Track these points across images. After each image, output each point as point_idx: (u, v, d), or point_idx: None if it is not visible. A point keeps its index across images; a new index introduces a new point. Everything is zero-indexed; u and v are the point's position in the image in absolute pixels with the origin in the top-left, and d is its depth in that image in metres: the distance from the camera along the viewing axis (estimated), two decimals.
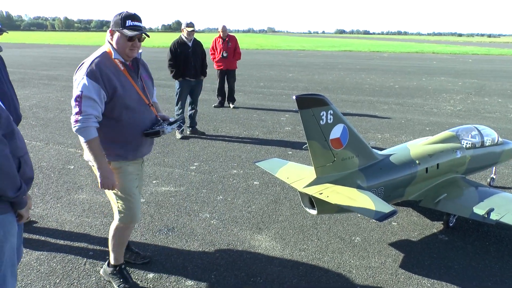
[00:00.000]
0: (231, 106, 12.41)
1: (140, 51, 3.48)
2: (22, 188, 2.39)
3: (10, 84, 4.61)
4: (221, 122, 10.49)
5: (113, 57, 3.33)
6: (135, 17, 3.32)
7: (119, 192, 3.52)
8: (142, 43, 3.42)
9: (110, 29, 3.37)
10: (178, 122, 3.59)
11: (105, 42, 3.42)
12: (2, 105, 2.43)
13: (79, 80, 3.20)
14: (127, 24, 3.28)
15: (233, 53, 11.87)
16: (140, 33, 3.31)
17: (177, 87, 8.97)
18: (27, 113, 11.03)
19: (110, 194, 3.59)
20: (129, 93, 3.36)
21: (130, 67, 3.44)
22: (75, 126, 3.16)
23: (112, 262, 3.78)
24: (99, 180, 3.33)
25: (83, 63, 3.31)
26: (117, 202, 3.57)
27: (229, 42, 11.78)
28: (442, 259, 4.27)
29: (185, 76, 8.83)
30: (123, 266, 3.80)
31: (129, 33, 3.26)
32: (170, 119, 3.61)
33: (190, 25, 8.86)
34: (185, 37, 8.83)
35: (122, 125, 3.38)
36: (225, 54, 11.69)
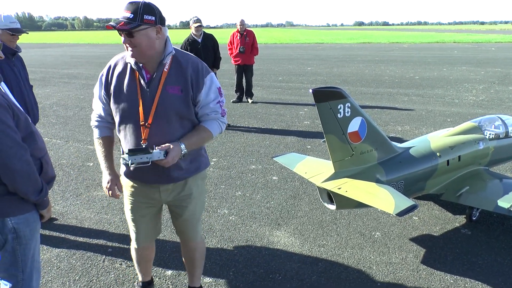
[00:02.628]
0: (250, 101, 12.38)
1: (170, 51, 2.79)
2: (43, 191, 2.45)
3: (28, 84, 4.64)
4: (240, 117, 10.46)
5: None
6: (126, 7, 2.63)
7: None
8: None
9: None
10: (142, 156, 2.64)
11: None
12: (20, 107, 2.45)
13: None
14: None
15: (250, 48, 11.77)
16: (115, 26, 2.57)
17: None
18: (47, 111, 11.18)
19: None
20: (123, 104, 2.79)
21: (145, 72, 2.78)
22: None
23: None
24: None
25: None
26: None
27: (246, 37, 11.69)
28: (466, 255, 4.16)
29: None
30: (140, 285, 3.59)
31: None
32: (143, 149, 2.68)
33: (196, 21, 9.13)
34: (194, 34, 9.00)
35: (119, 137, 2.98)
36: (242, 49, 11.60)
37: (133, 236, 3.25)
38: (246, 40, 11.66)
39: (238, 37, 11.69)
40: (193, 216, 3.19)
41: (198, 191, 3.13)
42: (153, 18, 2.63)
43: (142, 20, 2.59)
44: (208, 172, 6.58)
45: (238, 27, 11.72)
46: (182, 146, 2.77)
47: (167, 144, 2.74)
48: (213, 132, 2.95)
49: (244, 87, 12.41)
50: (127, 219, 3.23)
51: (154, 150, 2.67)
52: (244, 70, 12.02)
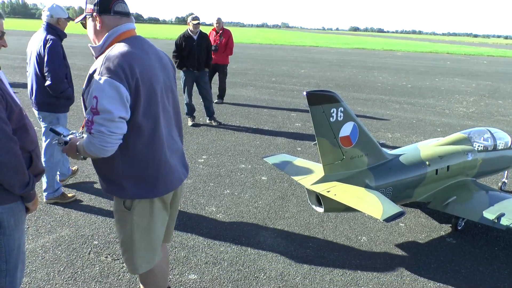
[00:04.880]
0: (218, 100, 11.99)
1: (99, 48, 2.61)
2: (30, 184, 2.40)
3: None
4: (231, 116, 10.46)
5: None
6: None
7: None
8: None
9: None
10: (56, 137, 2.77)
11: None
12: (16, 98, 2.42)
13: None
14: None
15: (224, 47, 11.38)
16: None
17: (182, 77, 9.34)
18: None
19: None
20: None
21: None
22: None
23: None
24: None
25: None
26: None
27: (221, 35, 11.37)
28: (449, 263, 4.21)
29: (188, 67, 9.11)
30: None
31: None
32: None
33: (195, 18, 9.16)
34: (191, 30, 9.01)
35: None
36: (213, 48, 10.82)
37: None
38: (221, 39, 11.32)
39: (214, 35, 11.29)
40: (120, 242, 2.87)
41: (116, 215, 2.82)
42: (91, 6, 2.54)
43: (85, 10, 2.57)
44: (197, 169, 6.58)
45: (215, 25, 11.40)
46: (80, 146, 2.57)
47: (77, 138, 2.66)
48: (84, 145, 2.49)
49: (217, 88, 11.93)
50: None
51: (64, 136, 2.69)
52: (217, 70, 11.56)
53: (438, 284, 3.86)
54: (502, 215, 4.11)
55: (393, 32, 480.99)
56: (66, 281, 3.71)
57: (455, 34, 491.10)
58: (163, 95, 2.65)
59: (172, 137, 2.76)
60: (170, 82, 2.74)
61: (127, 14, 2.62)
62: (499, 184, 6.12)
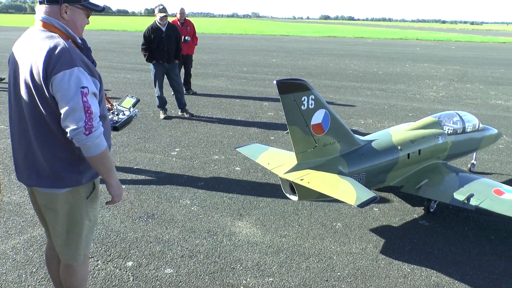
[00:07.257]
0: (190, 92, 11.94)
1: None
2: None
3: None
4: (203, 107, 10.38)
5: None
6: None
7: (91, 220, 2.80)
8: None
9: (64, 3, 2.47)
10: None
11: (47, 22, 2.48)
12: None
13: (68, 72, 2.28)
14: None
15: (192, 38, 11.29)
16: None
17: (152, 70, 9.18)
18: (4, 98, 10.77)
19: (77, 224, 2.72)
20: None
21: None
22: (90, 135, 2.31)
23: None
24: (115, 194, 2.64)
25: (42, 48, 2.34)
26: (84, 232, 2.78)
27: (187, 26, 11.21)
28: (423, 245, 4.28)
29: (158, 60, 8.95)
30: None
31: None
32: None
33: (162, 10, 8.85)
34: (159, 22, 8.81)
35: None
36: (187, 38, 10.91)
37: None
38: (188, 30, 11.17)
39: (179, 27, 10.79)
40: None
41: None
42: None
43: None
44: (170, 162, 6.51)
45: (178, 15, 11.11)
46: None
47: None
48: None
49: (182, 78, 11.37)
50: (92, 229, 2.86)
51: None
52: (186, 60, 11.38)
53: (412, 266, 3.93)
54: (472, 195, 4.20)
55: (363, 20, 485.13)
56: (39, 282, 3.63)
57: (424, 21, 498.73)
58: (13, 87, 2.52)
59: (18, 134, 2.58)
60: (21, 83, 2.44)
61: (39, 2, 2.52)
62: (469, 165, 6.25)
